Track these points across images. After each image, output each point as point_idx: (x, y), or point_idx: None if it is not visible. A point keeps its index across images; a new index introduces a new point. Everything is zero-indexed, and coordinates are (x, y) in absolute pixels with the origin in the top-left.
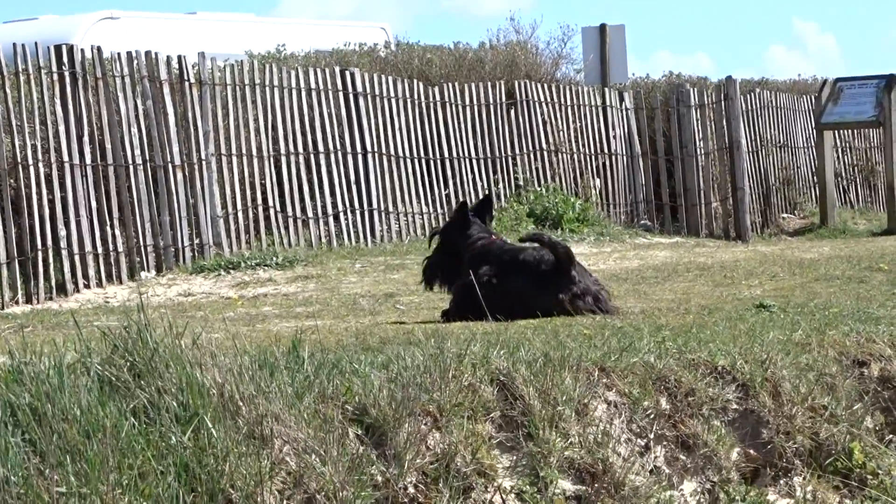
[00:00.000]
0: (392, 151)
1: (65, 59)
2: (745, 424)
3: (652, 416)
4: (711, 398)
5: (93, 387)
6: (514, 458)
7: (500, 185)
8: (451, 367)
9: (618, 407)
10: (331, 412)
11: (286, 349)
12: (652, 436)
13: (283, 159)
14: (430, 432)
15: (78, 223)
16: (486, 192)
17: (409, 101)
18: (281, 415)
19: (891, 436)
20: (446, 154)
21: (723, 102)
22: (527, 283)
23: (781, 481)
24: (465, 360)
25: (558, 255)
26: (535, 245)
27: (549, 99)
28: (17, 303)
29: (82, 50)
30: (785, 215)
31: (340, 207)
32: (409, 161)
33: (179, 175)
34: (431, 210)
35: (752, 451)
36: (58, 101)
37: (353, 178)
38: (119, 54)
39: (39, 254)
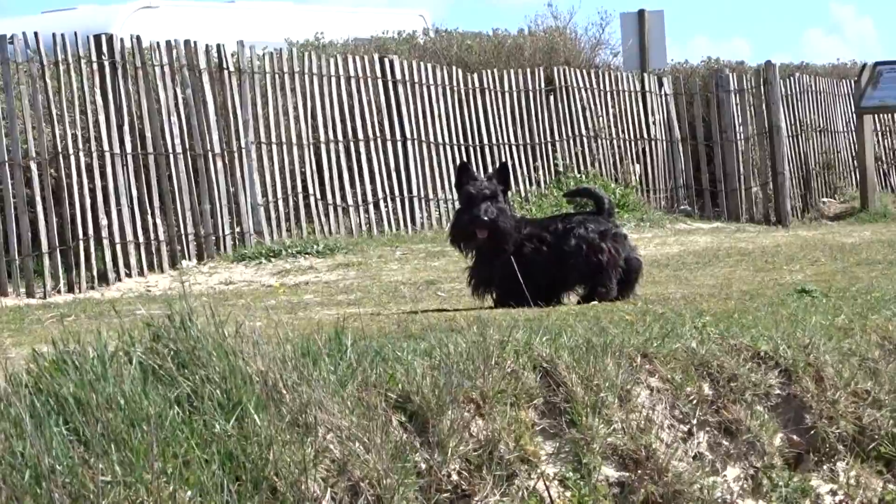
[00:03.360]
0: (431, 139)
1: (104, 48)
2: (787, 410)
3: (695, 401)
4: (754, 383)
5: (136, 376)
6: (557, 444)
7: (540, 172)
8: (494, 354)
9: (660, 393)
10: (374, 400)
11: (328, 337)
12: (695, 422)
13: (323, 147)
14: (472, 419)
15: (119, 212)
16: (503, 163)
17: (448, 88)
18: (324, 402)
19: None
20: (486, 141)
21: (762, 87)
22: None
23: (825, 467)
24: (508, 347)
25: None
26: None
27: (588, 85)
28: (59, 292)
29: (121, 39)
30: (825, 200)
31: (380, 195)
32: (448, 148)
33: (220, 164)
34: None
35: (795, 437)
36: (97, 91)
37: (392, 165)
38: (158, 43)
39: (81, 243)
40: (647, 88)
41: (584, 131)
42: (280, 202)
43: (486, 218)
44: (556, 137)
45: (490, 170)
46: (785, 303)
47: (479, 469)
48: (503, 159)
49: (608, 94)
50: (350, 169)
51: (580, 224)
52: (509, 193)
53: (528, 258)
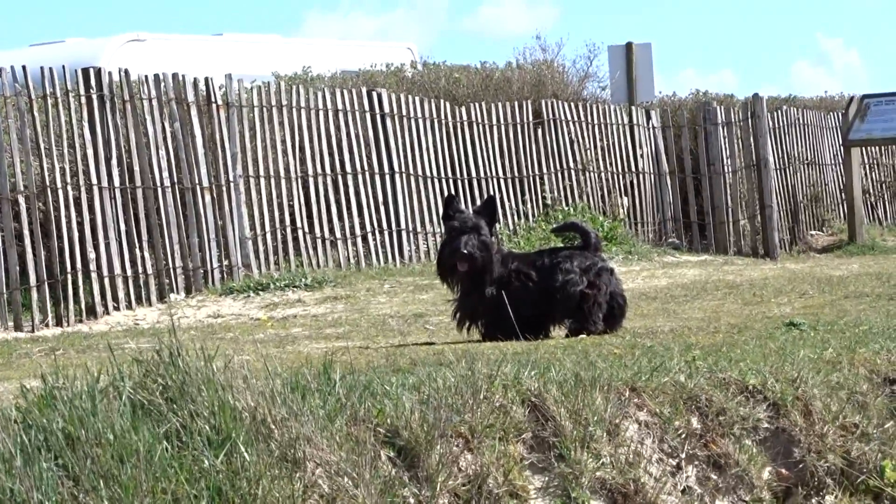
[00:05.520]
0: (420, 172)
1: (92, 81)
2: (776, 443)
3: (683, 435)
4: (742, 417)
5: (125, 411)
6: (546, 479)
7: (529, 205)
8: (483, 389)
9: (649, 427)
10: (363, 434)
11: (317, 371)
12: (683, 455)
13: (311, 180)
14: (461, 454)
15: (107, 245)
16: (490, 196)
17: (436, 121)
18: (313, 437)
19: None
20: (473, 174)
21: (750, 120)
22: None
23: (813, 500)
24: (497, 381)
25: (589, 239)
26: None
27: (576, 118)
28: (47, 325)
29: (109, 73)
30: (813, 232)
31: (368, 228)
32: (436, 181)
33: (208, 197)
34: None
35: (783, 471)
36: (86, 124)
37: (380, 198)
38: (146, 77)
39: (69, 276)
40: (634, 121)
41: (572, 164)
42: (268, 235)
43: (465, 251)
44: (545, 170)
45: (478, 203)
46: (773, 336)
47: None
48: (491, 192)
49: (596, 127)
50: (338, 202)
51: (567, 259)
52: (497, 226)
53: (515, 292)
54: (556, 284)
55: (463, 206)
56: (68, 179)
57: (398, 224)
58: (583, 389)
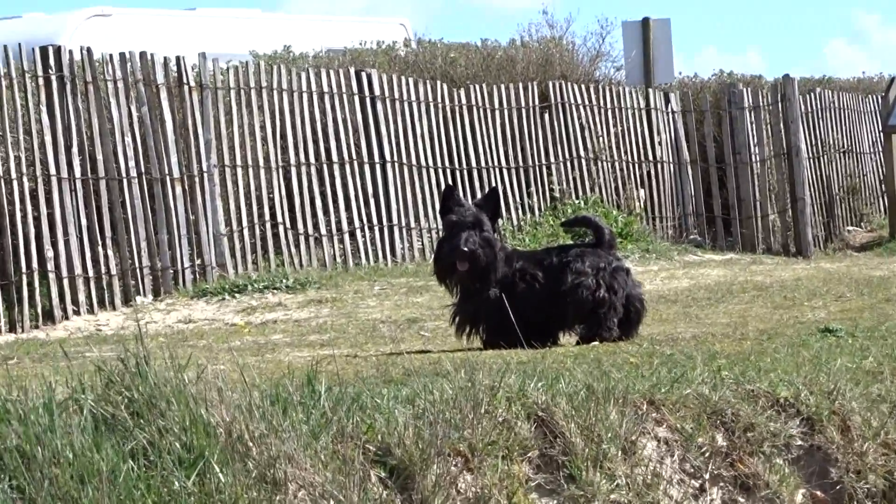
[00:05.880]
0: (413, 161)
1: (51, 61)
2: (810, 463)
3: (707, 454)
4: (773, 433)
5: (87, 426)
6: (555, 502)
7: (535, 198)
8: (484, 402)
9: (669, 444)
10: (351, 453)
11: (300, 382)
12: (707, 476)
13: (293, 170)
14: (460, 474)
15: (66, 243)
16: (493, 188)
17: (431, 104)
18: (295, 456)
19: None
20: (473, 163)
21: (779, 104)
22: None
23: None
24: (499, 394)
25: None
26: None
27: (587, 101)
28: None
29: (70, 51)
30: (850, 228)
31: (357, 223)
32: (432, 171)
33: (178, 189)
34: None
35: (818, 493)
36: (44, 109)
37: (370, 190)
38: (111, 56)
39: (24, 277)
40: (652, 105)
41: (582, 153)
42: (245, 231)
43: (466, 248)
44: (552, 160)
45: (479, 195)
46: (807, 343)
47: None
48: (493, 184)
49: (609, 112)
50: (323, 195)
51: (577, 257)
52: (500, 221)
53: (520, 294)
54: (566, 286)
55: (463, 199)
56: (24, 170)
57: (390, 219)
58: (595, 403)
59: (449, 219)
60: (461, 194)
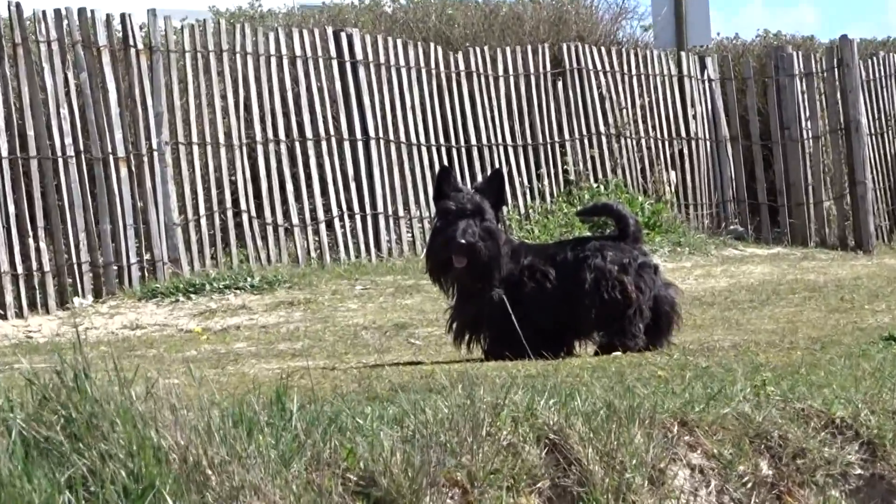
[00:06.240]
0: (402, 138)
1: None
2: (872, 494)
3: (750, 484)
4: (827, 460)
5: (16, 451)
6: None
7: (546, 181)
8: (485, 423)
9: (704, 473)
10: (328, 483)
11: (267, 399)
12: None
13: (260, 149)
14: None
15: None
16: (496, 169)
17: (424, 71)
18: (262, 486)
19: None
20: (473, 140)
21: (836, 70)
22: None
23: None
24: (504, 413)
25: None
26: None
27: (607, 67)
28: None
29: None
30: None
31: (335, 211)
32: (424, 150)
33: (124, 170)
34: None
35: None
36: None
37: (351, 172)
38: (44, 13)
39: None
40: (685, 72)
41: (602, 128)
42: (203, 221)
43: (463, 241)
44: (567, 136)
45: (480, 178)
46: (867, 354)
47: None
48: (496, 164)
49: (634, 79)
50: (295, 177)
51: (597, 252)
52: (505, 210)
53: (528, 296)
54: (583, 286)
55: (460, 183)
56: None
57: (374, 206)
58: (617, 424)
59: (444, 205)
60: (458, 177)
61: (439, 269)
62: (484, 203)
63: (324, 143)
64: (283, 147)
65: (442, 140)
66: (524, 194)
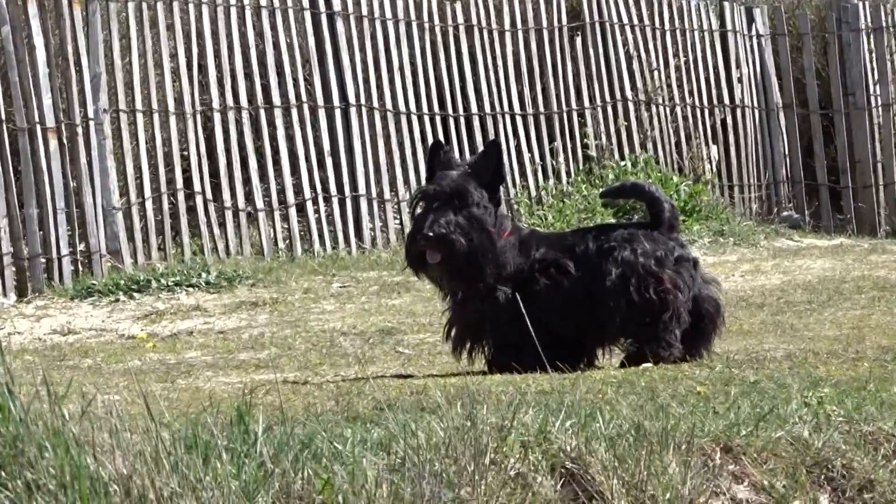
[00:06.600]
0: (388, 105)
1: None
2: None
3: None
4: None
5: None
6: None
7: (561, 157)
8: (489, 449)
9: None
10: None
11: (227, 420)
12: None
13: (218, 118)
14: None
15: None
16: (492, 140)
17: (415, 25)
18: None
19: None
20: (474, 108)
21: None
22: None
23: None
24: (511, 437)
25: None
26: None
27: (636, 20)
28: None
29: None
30: None
31: (308, 193)
32: (415, 119)
33: (53, 143)
34: None
35: None
36: None
37: (327, 146)
38: None
39: None
40: (728, 26)
41: (630, 94)
42: (148, 205)
43: (431, 233)
44: (587, 104)
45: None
46: None
47: None
48: (500, 136)
49: (668, 35)
50: (260, 152)
51: (624, 242)
52: (512, 191)
53: (541, 295)
54: (607, 283)
55: (456, 159)
56: None
57: (355, 187)
58: (648, 450)
59: (420, 189)
60: (454, 152)
61: (415, 268)
62: (468, 184)
63: (294, 111)
64: (245, 116)
65: (436, 108)
66: (535, 173)
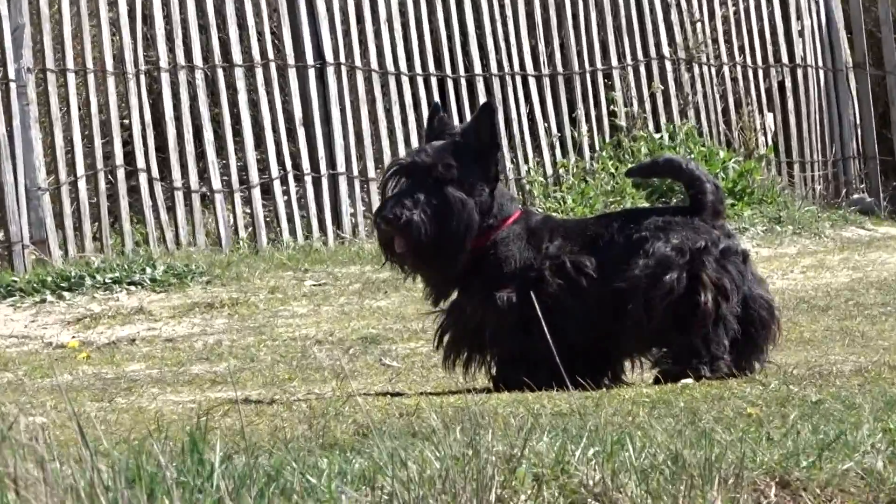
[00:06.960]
0: (374, 64)
1: None
2: None
3: None
4: None
5: None
6: None
7: (584, 127)
8: (495, 482)
9: None
10: None
11: (178, 447)
12: None
13: (166, 79)
14: None
15: None
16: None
17: None
18: None
19: None
20: (477, 68)
21: None
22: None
23: None
24: (522, 469)
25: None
26: None
27: None
28: None
29: None
30: None
31: (275, 171)
32: (405, 81)
33: None
34: None
35: None
36: None
37: (298, 114)
38: None
39: None
40: None
41: (666, 51)
42: (81, 184)
43: (392, 215)
44: (615, 63)
45: None
46: None
47: None
48: (510, 102)
49: None
50: (217, 121)
51: (658, 232)
52: (516, 168)
53: (555, 297)
54: (636, 283)
55: (453, 125)
56: None
57: (332, 163)
58: (688, 484)
59: (391, 162)
60: (452, 119)
61: (385, 256)
62: (447, 155)
63: (259, 71)
64: (198, 77)
65: (431, 67)
66: (552, 147)
